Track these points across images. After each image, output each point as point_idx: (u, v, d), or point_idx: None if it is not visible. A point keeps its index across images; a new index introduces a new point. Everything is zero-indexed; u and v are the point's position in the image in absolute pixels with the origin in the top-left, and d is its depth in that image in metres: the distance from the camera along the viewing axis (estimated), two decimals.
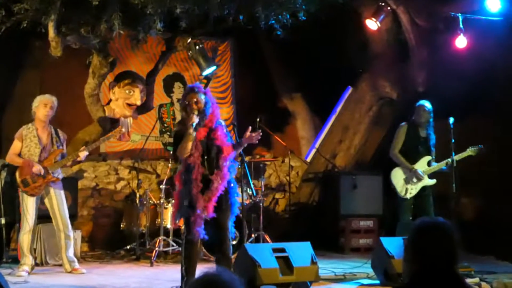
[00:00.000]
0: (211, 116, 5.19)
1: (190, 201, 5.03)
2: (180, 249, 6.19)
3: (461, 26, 7.46)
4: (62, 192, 6.65)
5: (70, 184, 7.53)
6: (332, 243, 8.59)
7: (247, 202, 7.82)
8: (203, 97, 5.19)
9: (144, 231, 7.76)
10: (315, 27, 8.14)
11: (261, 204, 7.93)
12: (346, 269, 6.81)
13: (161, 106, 9.51)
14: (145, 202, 7.82)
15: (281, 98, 10.15)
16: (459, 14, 7.46)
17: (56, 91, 7.11)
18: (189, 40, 8.06)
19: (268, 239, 7.77)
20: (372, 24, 8.17)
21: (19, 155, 6.54)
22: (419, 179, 6.98)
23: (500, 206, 7.85)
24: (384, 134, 9.05)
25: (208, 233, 5.08)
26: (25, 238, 6.45)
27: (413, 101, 7.26)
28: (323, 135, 9.67)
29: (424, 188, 7.01)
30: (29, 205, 6.44)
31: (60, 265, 6.77)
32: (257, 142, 5.27)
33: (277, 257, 5.37)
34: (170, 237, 7.60)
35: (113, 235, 8.43)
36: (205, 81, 8.69)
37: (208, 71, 8.25)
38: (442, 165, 6.95)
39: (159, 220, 7.71)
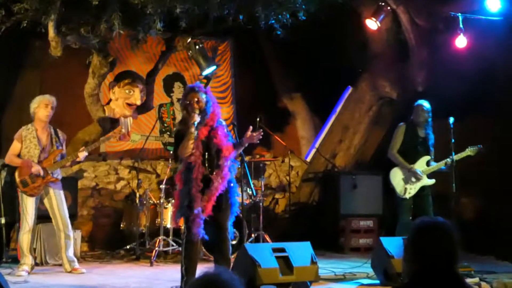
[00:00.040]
0: (212, 115, 5.20)
1: (190, 200, 5.04)
2: (180, 249, 6.19)
3: (461, 26, 7.45)
4: (62, 192, 6.65)
5: (70, 184, 7.53)
6: (332, 243, 8.59)
7: (247, 202, 7.82)
8: (204, 96, 5.20)
9: (144, 231, 7.76)
10: (315, 27, 8.15)
11: (261, 204, 7.93)
12: (346, 269, 6.81)
13: (161, 106, 9.51)
14: (145, 202, 7.82)
15: (281, 98, 10.15)
16: (459, 14, 7.46)
17: (56, 91, 7.12)
18: (189, 40, 8.06)
19: (268, 239, 7.77)
20: (372, 24, 8.17)
21: (19, 156, 6.54)
22: (418, 178, 6.98)
23: (500, 206, 7.85)
24: (384, 134, 9.05)
25: (207, 232, 5.08)
26: (24, 238, 6.45)
27: (413, 101, 7.25)
28: (323, 135, 9.67)
29: (423, 188, 7.01)
30: (28, 205, 6.44)
31: (60, 265, 6.77)
32: (258, 142, 5.27)
33: (277, 257, 5.37)
34: (170, 237, 7.60)
35: (113, 235, 8.43)
36: (205, 81, 8.67)
37: (208, 71, 8.25)
38: (441, 165, 6.95)
39: (159, 220, 7.72)
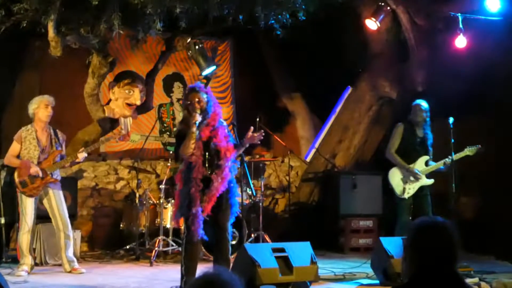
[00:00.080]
0: (213, 114, 5.21)
1: (190, 200, 5.04)
2: (179, 249, 6.19)
3: (460, 26, 7.45)
4: (61, 192, 6.65)
5: (69, 184, 7.53)
6: (332, 243, 8.58)
7: (247, 202, 7.83)
8: (205, 96, 5.21)
9: (143, 231, 7.76)
10: (314, 27, 8.15)
11: (260, 204, 7.93)
12: (346, 269, 6.81)
13: (160, 106, 9.51)
14: (144, 202, 7.82)
15: (280, 98, 10.16)
16: (459, 14, 7.46)
17: (56, 91, 7.12)
18: (189, 40, 8.06)
19: (267, 239, 7.77)
20: (371, 24, 8.17)
21: (18, 157, 6.53)
22: (417, 178, 6.98)
23: (499, 205, 7.85)
24: (384, 133, 9.04)
25: (207, 233, 5.08)
26: (24, 238, 6.45)
27: (412, 101, 7.25)
28: (322, 135, 9.67)
29: (422, 188, 7.00)
30: (27, 206, 6.44)
31: (60, 265, 6.77)
32: (259, 142, 5.27)
33: (276, 257, 5.37)
34: (170, 237, 7.60)
35: (113, 235, 8.43)
36: (204, 81, 8.67)
37: (207, 71, 8.26)
38: (439, 165, 6.94)
39: (158, 220, 7.71)
